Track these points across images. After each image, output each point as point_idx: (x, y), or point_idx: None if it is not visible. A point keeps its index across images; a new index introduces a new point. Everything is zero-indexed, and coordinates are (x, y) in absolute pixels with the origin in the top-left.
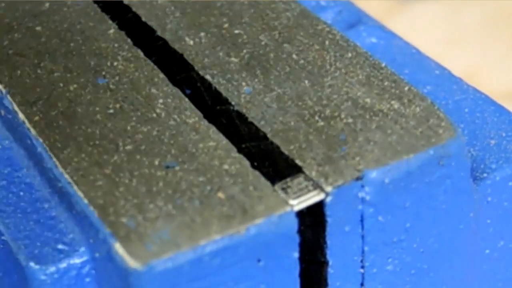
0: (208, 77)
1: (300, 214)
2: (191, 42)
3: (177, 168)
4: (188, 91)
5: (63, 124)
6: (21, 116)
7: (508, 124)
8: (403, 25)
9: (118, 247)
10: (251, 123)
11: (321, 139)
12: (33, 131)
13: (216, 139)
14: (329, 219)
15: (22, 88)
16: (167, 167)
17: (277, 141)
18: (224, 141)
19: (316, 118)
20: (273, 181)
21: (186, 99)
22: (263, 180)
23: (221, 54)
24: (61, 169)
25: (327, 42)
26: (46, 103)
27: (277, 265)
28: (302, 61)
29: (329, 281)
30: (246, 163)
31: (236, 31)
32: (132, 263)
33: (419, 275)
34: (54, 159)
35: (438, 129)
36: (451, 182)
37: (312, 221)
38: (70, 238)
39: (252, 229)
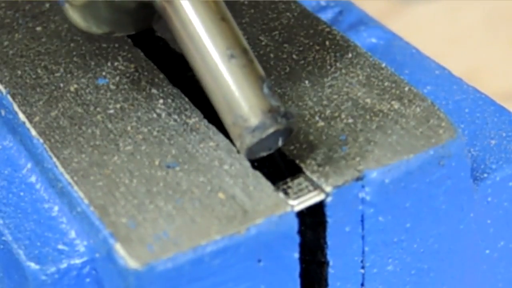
0: None
1: (300, 215)
2: None
3: (177, 168)
4: (188, 91)
5: (63, 125)
6: (21, 116)
7: (508, 124)
8: (403, 25)
9: (119, 248)
10: None
11: (321, 139)
12: (33, 132)
13: (216, 140)
14: (329, 220)
15: (22, 88)
16: (168, 167)
17: None
18: (225, 141)
19: (316, 118)
20: (273, 182)
21: (186, 99)
22: (263, 180)
23: None
24: (61, 169)
25: (327, 42)
26: (46, 103)
27: (278, 266)
28: (302, 61)
29: (329, 281)
30: (246, 163)
31: None
32: (132, 263)
33: (419, 275)
34: (55, 159)
35: (438, 129)
36: (451, 183)
37: (312, 221)
38: (71, 238)
39: (252, 230)
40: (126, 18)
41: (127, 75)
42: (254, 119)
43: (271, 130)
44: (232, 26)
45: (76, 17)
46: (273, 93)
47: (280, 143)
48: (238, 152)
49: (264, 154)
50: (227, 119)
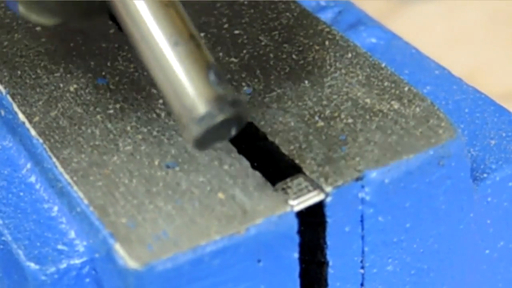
0: None
1: (300, 215)
2: None
3: (177, 168)
4: None
5: (63, 125)
6: (21, 116)
7: (508, 124)
8: (403, 25)
9: (118, 248)
10: (251, 123)
11: (321, 139)
12: (33, 132)
13: None
14: (329, 220)
15: (22, 88)
16: (167, 167)
17: (277, 141)
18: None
19: (316, 118)
20: (273, 182)
21: None
22: (263, 180)
23: (221, 54)
24: (61, 170)
25: (327, 43)
26: (46, 103)
27: (277, 266)
28: (302, 62)
29: (329, 281)
30: (246, 163)
31: (236, 31)
32: (132, 263)
33: (419, 275)
34: (54, 160)
35: (438, 129)
36: (451, 183)
37: (312, 221)
38: (70, 238)
39: (252, 230)
40: (77, 8)
41: (127, 75)
42: (199, 109)
43: (217, 120)
44: (178, 12)
45: (26, 12)
46: (221, 80)
47: (233, 132)
48: (238, 152)
49: (217, 143)
50: (174, 109)
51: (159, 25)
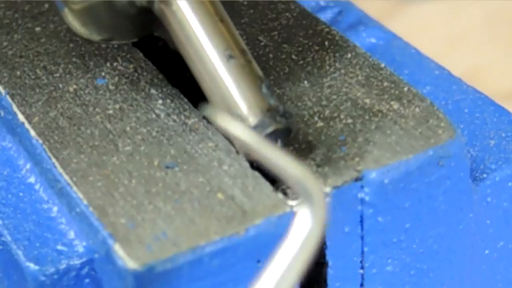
0: None
1: None
2: None
3: (176, 168)
4: (187, 92)
5: (62, 125)
6: (20, 116)
7: (507, 125)
8: (403, 25)
9: (118, 248)
10: None
11: (320, 139)
12: (32, 132)
13: (215, 140)
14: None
15: (21, 88)
16: (167, 167)
17: None
18: (224, 141)
19: (316, 118)
20: (272, 182)
21: (186, 100)
22: (262, 180)
23: None
24: (60, 170)
25: (326, 43)
26: (45, 103)
27: None
28: (301, 62)
29: (329, 281)
30: (245, 163)
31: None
32: (132, 263)
33: (419, 276)
34: (54, 160)
35: (437, 129)
36: (451, 183)
37: None
38: (70, 239)
39: (251, 230)
40: (126, 24)
41: (126, 75)
42: (253, 118)
43: (270, 129)
44: (230, 27)
45: (75, 22)
46: (272, 93)
47: (279, 144)
48: (237, 152)
49: None
50: None
51: (213, 40)
